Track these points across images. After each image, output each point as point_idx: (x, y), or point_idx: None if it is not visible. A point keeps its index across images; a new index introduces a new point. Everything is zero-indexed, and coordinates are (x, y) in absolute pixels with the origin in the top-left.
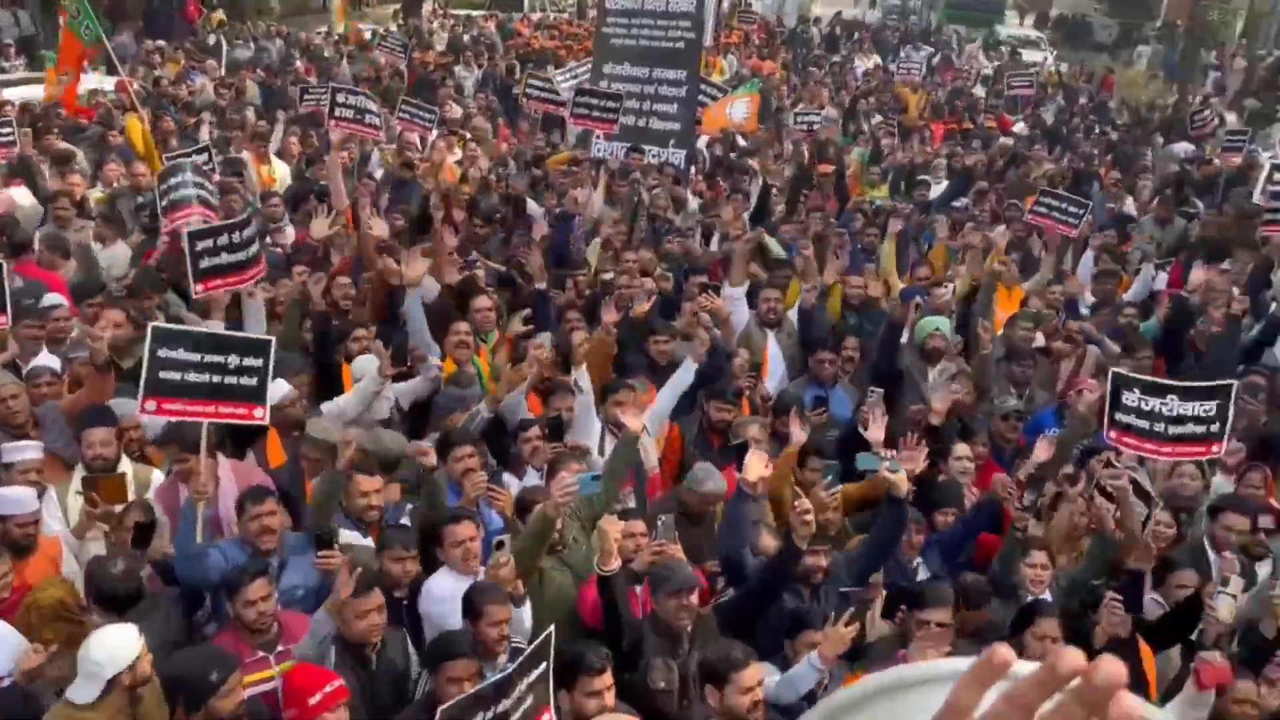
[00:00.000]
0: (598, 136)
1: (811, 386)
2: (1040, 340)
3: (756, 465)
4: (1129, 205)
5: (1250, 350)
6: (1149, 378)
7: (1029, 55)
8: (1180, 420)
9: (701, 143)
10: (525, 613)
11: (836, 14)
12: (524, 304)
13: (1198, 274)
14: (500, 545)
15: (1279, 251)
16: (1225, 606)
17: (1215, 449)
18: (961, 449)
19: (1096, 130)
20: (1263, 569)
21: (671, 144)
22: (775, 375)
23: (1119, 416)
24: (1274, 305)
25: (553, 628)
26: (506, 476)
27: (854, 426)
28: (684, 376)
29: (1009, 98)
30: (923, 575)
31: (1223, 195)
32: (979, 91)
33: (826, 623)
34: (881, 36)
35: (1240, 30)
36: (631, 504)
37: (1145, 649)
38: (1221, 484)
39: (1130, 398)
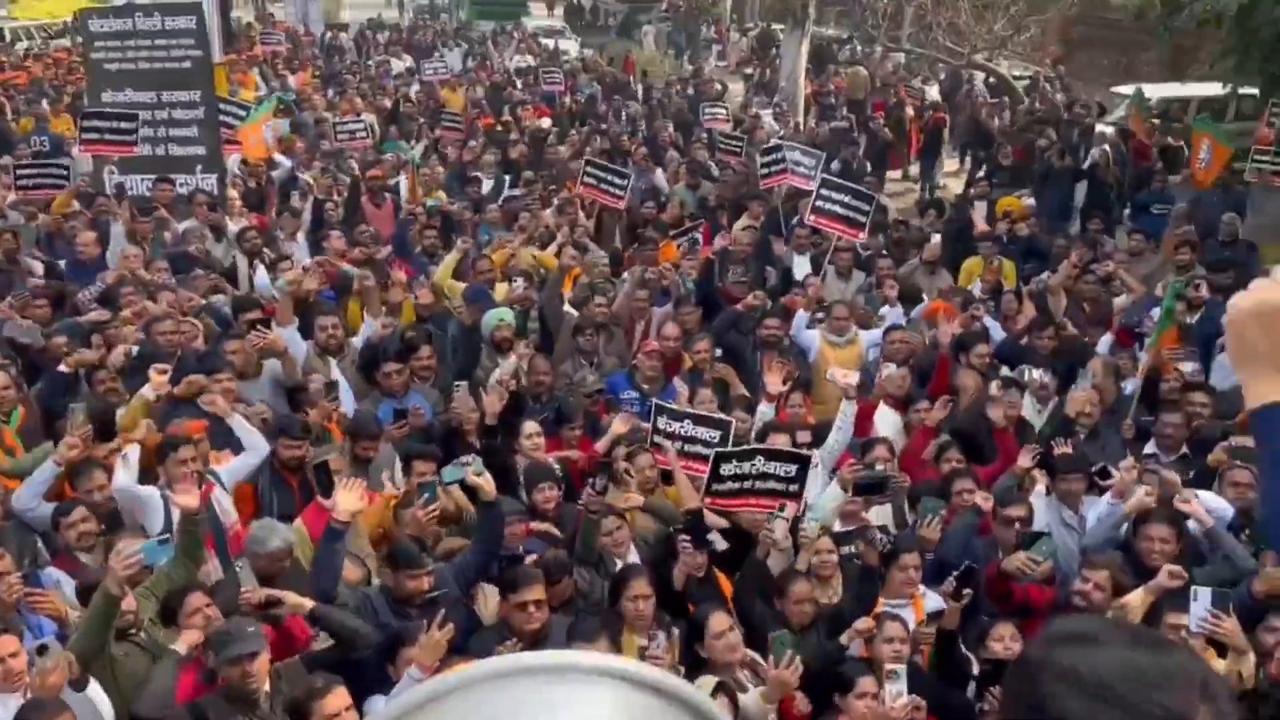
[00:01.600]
0: (110, 170)
1: (385, 401)
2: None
3: (348, 498)
4: (659, 177)
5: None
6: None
7: (565, 45)
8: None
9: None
10: (98, 699)
11: (368, 19)
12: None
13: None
14: (43, 650)
15: (784, 198)
16: (780, 526)
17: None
18: (530, 427)
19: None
20: None
21: (199, 169)
22: (346, 400)
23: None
24: (784, 247)
25: None
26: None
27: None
28: (249, 440)
29: (545, 91)
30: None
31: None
32: (518, 85)
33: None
34: (414, 39)
35: (730, 6)
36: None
37: (724, 579)
38: (765, 411)
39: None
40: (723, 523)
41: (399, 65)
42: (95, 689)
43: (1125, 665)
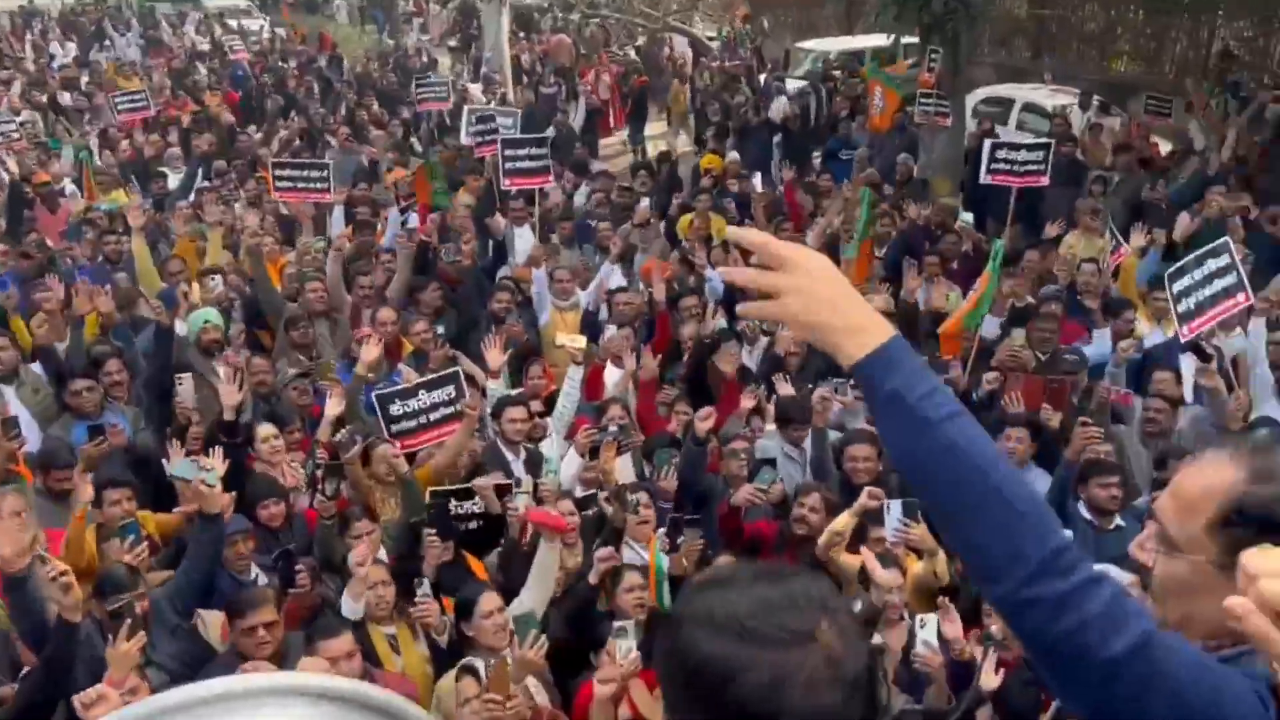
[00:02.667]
0: None
1: (77, 422)
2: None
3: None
4: (366, 156)
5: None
6: None
7: (249, 23)
8: None
9: None
10: None
11: (20, 6)
12: None
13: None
14: None
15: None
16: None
17: None
18: (265, 429)
19: (333, 88)
20: None
21: None
22: (28, 430)
23: None
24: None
25: None
26: None
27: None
28: None
29: (231, 74)
30: None
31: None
32: (201, 69)
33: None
34: (77, 24)
35: None
36: None
37: (475, 562)
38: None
39: None
40: (493, 499)
41: (62, 54)
42: None
43: (752, 599)
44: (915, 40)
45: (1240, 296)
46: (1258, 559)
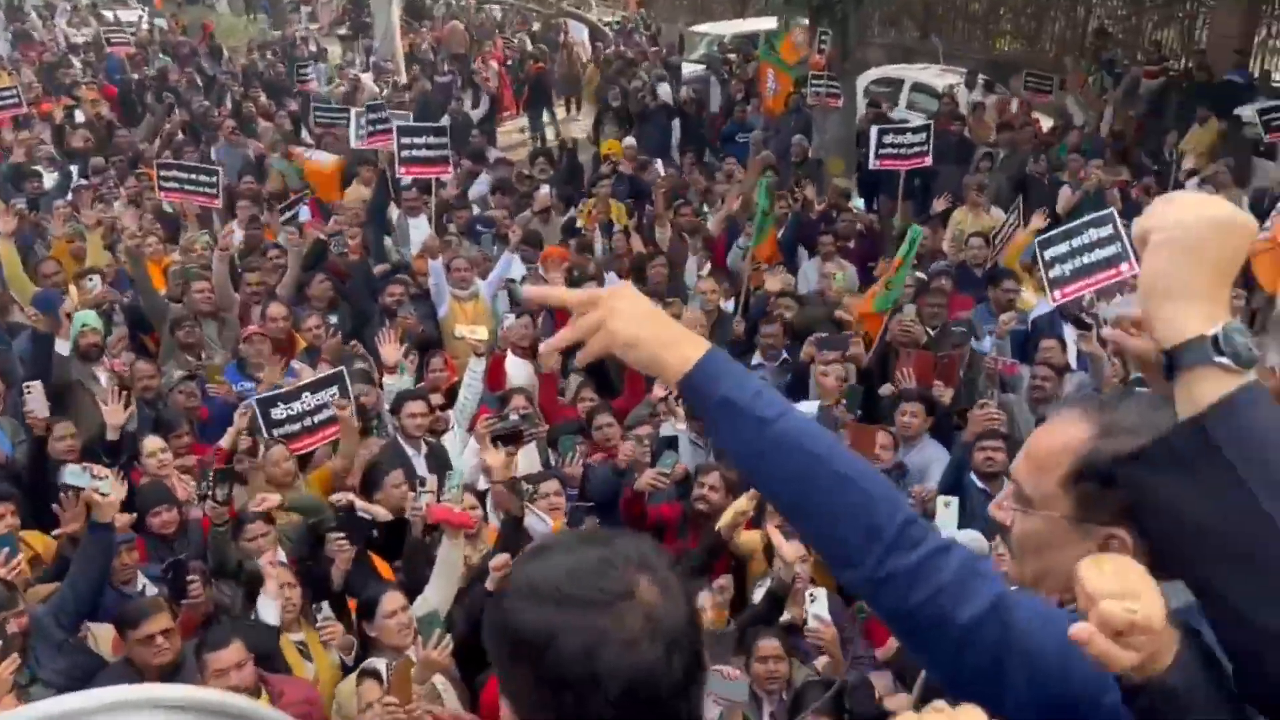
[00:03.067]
0: None
1: None
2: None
3: None
4: (253, 149)
5: None
6: None
7: (125, 14)
8: None
9: None
10: None
11: None
12: None
13: None
14: None
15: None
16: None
17: None
18: (152, 443)
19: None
20: None
21: None
22: None
23: None
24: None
25: None
26: None
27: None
28: None
29: (107, 67)
30: None
31: None
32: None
33: None
34: None
35: None
36: None
37: (382, 564)
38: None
39: None
40: (383, 512)
41: None
42: None
43: (570, 565)
44: (805, 22)
45: (1124, 266)
46: (1095, 578)
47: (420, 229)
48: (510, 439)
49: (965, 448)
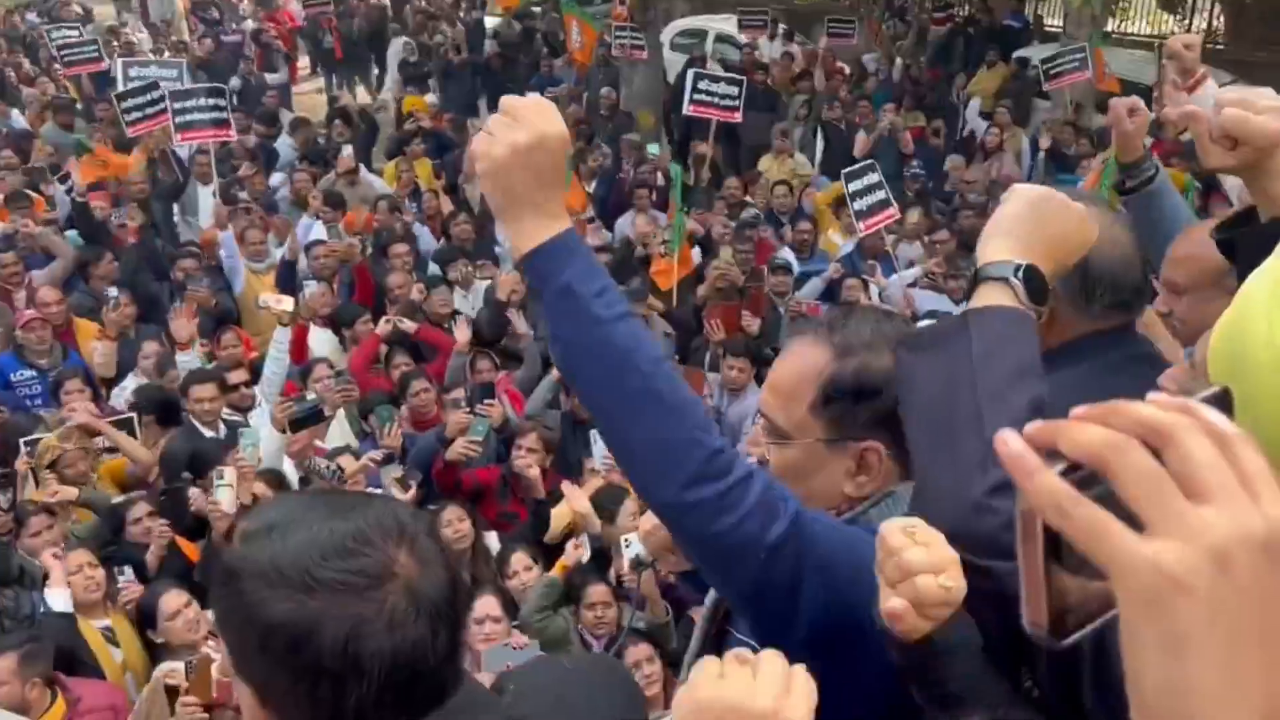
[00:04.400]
0: None
1: None
2: None
3: None
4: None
5: None
6: None
7: None
8: None
9: None
10: None
11: None
12: None
13: None
14: None
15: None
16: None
17: None
18: None
19: None
20: None
21: None
22: None
23: None
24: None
25: None
26: None
27: None
28: None
29: None
30: None
31: None
32: None
33: None
34: None
35: None
36: None
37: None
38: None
39: None
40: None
41: None
42: None
43: (321, 543)
44: None
45: (890, 210)
46: (911, 552)
47: (207, 199)
48: (309, 420)
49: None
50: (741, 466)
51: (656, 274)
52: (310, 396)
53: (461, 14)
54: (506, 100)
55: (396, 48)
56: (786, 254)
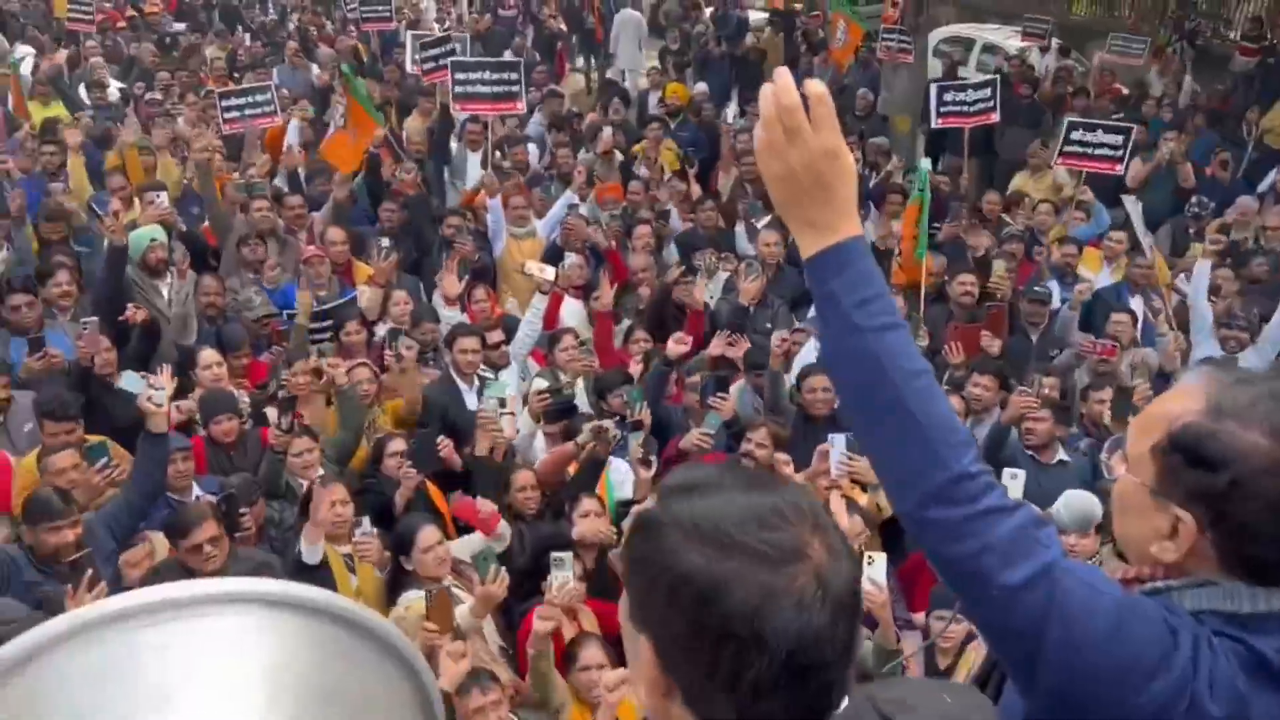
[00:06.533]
0: None
1: (15, 339)
2: None
3: None
4: (314, 74)
5: None
6: None
7: None
8: None
9: None
10: None
11: None
12: None
13: None
14: None
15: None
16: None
17: None
18: (207, 355)
19: None
20: None
21: None
22: None
23: None
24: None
25: None
26: None
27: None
28: None
29: None
30: None
31: None
32: None
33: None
34: None
35: None
36: None
37: (437, 492)
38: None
39: None
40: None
41: None
42: None
43: (740, 509)
44: None
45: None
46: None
47: (474, 164)
48: (563, 415)
49: (1004, 428)
50: (994, 498)
51: (902, 270)
52: (568, 391)
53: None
54: (789, 103)
55: (630, 30)
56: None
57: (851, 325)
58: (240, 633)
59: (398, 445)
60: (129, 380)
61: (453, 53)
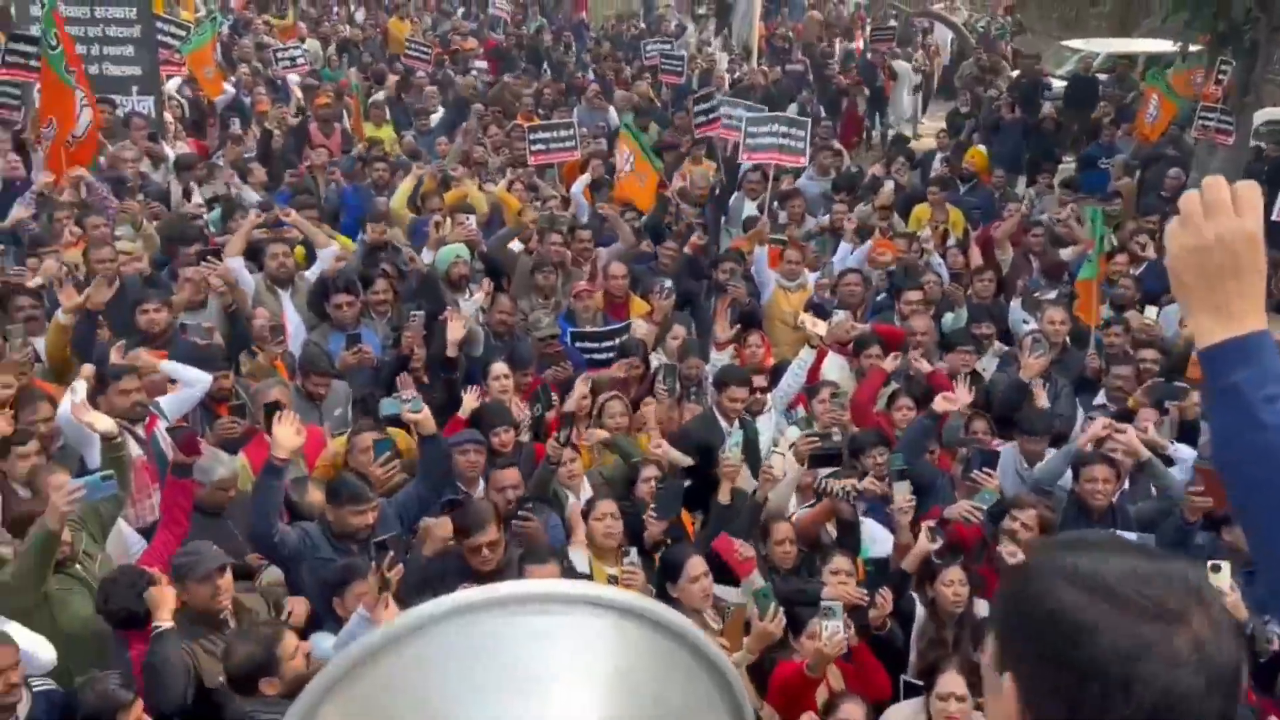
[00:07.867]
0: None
1: (334, 333)
2: None
3: (286, 434)
4: (611, 115)
5: None
6: None
7: None
8: None
9: None
10: (33, 642)
11: None
12: None
13: None
14: None
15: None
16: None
17: None
18: (498, 368)
19: None
20: None
21: (135, 91)
22: (296, 335)
23: None
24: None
25: None
26: None
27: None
28: (189, 376)
29: (493, 19)
30: None
31: None
32: None
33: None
34: None
35: None
36: None
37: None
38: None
39: None
40: (686, 459)
41: None
42: (25, 634)
43: (1126, 567)
44: (1197, 48)
45: None
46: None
47: (752, 210)
48: (828, 460)
49: None
50: None
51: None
52: (836, 438)
53: (1019, 73)
54: (1212, 182)
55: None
56: None
57: (1257, 422)
58: (596, 635)
59: (652, 471)
60: (386, 407)
61: (719, 106)
